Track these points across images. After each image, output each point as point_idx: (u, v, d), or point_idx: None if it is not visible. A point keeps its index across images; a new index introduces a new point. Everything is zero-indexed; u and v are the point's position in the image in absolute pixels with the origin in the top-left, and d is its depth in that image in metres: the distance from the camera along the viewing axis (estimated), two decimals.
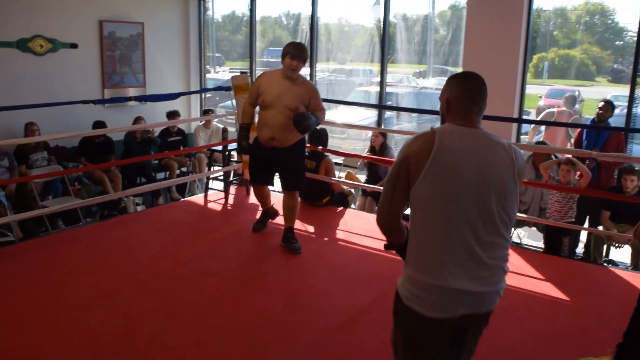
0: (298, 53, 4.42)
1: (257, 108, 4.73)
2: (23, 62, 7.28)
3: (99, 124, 7.45)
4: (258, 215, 5.45)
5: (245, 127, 4.73)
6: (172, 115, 8.30)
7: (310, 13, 8.21)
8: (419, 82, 10.31)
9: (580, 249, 5.80)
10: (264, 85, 4.58)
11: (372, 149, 6.91)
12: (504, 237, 2.04)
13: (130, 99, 6.54)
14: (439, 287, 1.96)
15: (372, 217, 6.10)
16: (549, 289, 4.30)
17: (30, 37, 7.32)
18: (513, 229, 5.78)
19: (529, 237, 6.34)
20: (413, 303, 2.02)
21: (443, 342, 2.06)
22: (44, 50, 7.49)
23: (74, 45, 7.80)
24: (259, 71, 9.41)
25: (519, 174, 2.03)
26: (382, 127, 7.94)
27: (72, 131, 6.86)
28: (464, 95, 2.03)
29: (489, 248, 1.99)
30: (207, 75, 10.05)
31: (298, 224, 5.36)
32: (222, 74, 11.99)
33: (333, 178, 6.26)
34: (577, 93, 10.23)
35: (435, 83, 9.91)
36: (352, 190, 6.85)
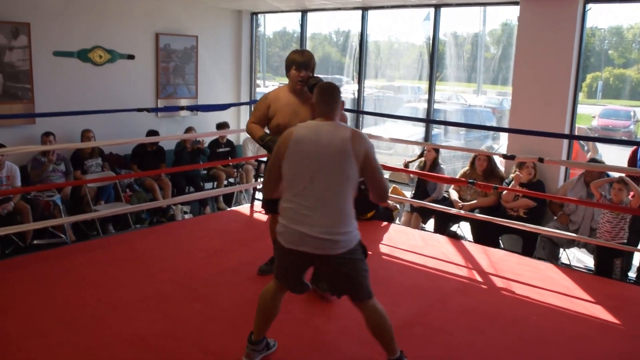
0: (304, 61, 3.88)
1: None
2: (83, 72, 7.54)
3: (152, 133, 7.65)
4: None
5: (266, 134, 3.98)
6: (222, 126, 8.43)
7: (359, 30, 8.24)
8: (467, 100, 10.20)
9: (633, 272, 5.58)
10: (274, 106, 3.95)
11: (421, 165, 6.84)
12: (330, 200, 2.80)
13: (182, 108, 6.70)
14: (289, 228, 2.86)
15: (418, 233, 6.03)
16: (599, 312, 4.14)
17: (91, 47, 7.58)
18: (561, 249, 5.63)
19: (579, 258, 6.15)
20: (279, 237, 2.94)
21: (295, 265, 2.98)
22: (103, 61, 7.74)
23: (131, 57, 8.04)
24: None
25: (355, 154, 2.80)
26: (430, 142, 7.86)
27: (126, 139, 7.05)
28: (319, 101, 3.00)
29: (318, 207, 2.80)
30: (257, 89, 10.19)
31: None
32: (271, 88, 12.12)
33: None
34: (632, 113, 9.92)
35: (485, 101, 9.78)
36: (398, 205, 6.79)
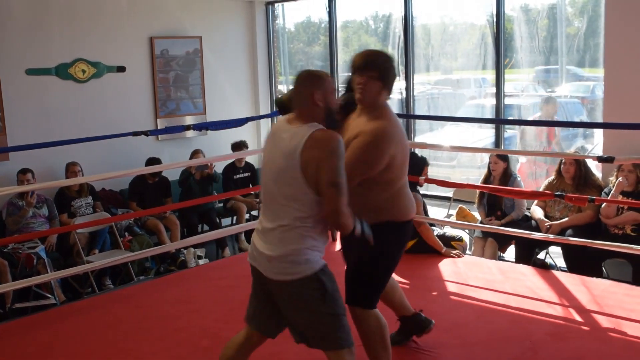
0: (360, 62, 3.49)
1: None
2: (63, 92, 7.76)
3: (152, 162, 7.74)
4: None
5: None
6: (239, 146, 8.51)
7: (403, 13, 8.28)
8: (547, 90, 10.09)
9: None
10: (346, 125, 3.63)
11: (486, 179, 6.78)
12: (281, 204, 3.00)
13: (188, 128, 6.79)
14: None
15: (494, 265, 5.97)
16: None
17: (71, 61, 7.80)
18: None
19: None
20: None
21: (253, 287, 3.31)
22: (87, 77, 7.95)
23: (120, 69, 8.25)
24: (342, 89, 9.51)
25: (301, 158, 2.89)
26: (502, 149, 7.81)
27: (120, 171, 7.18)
28: (293, 93, 3.11)
29: (268, 215, 3.07)
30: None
31: (400, 276, 5.31)
32: None
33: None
34: None
35: (571, 90, 9.66)
36: (462, 232, 6.71)
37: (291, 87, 3.58)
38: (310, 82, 3.04)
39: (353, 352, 3.05)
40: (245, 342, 3.28)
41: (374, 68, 3.37)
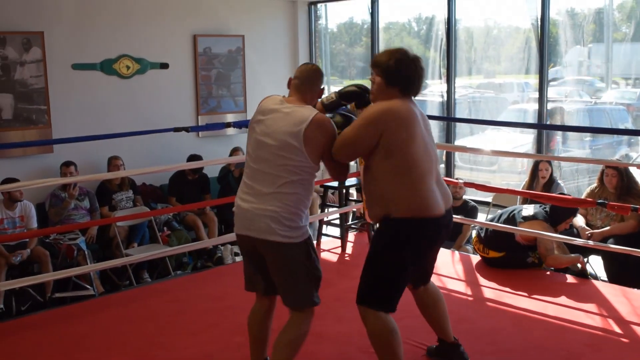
0: (373, 60, 3.64)
1: None
2: (107, 86, 7.86)
3: (193, 158, 7.81)
4: None
5: None
6: None
7: (446, 15, 8.21)
8: (595, 96, 9.92)
9: None
10: None
11: (530, 185, 6.70)
12: (278, 172, 3.36)
13: (228, 125, 6.81)
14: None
15: (531, 272, 5.87)
16: None
17: (116, 57, 7.90)
18: None
19: None
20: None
21: (246, 255, 3.68)
22: (131, 72, 8.04)
23: (164, 65, 8.32)
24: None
25: (304, 137, 3.31)
26: (545, 154, 7.70)
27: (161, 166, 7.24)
28: (295, 77, 3.58)
29: (264, 181, 3.38)
30: None
31: (437, 281, 5.26)
32: None
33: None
34: None
35: (616, 97, 9.49)
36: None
37: (342, 87, 3.79)
38: (321, 79, 3.61)
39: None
40: (260, 308, 3.71)
41: (376, 66, 3.51)
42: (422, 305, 3.93)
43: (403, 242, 3.41)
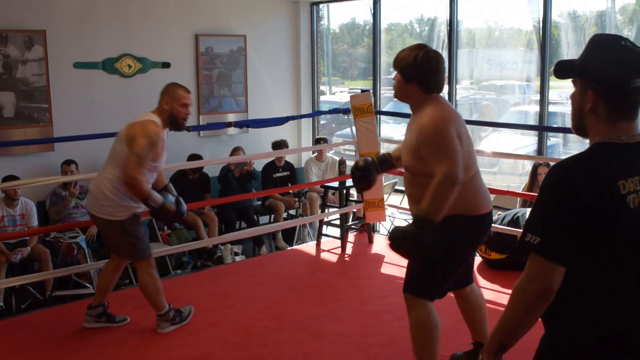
0: (394, 58, 3.59)
1: None
2: (109, 85, 7.85)
3: (193, 157, 7.82)
4: None
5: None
6: (279, 145, 8.52)
7: (448, 16, 8.20)
8: None
9: None
10: None
11: (529, 187, 6.69)
12: None
13: (229, 125, 6.83)
14: None
15: None
16: None
17: (118, 56, 7.90)
18: None
19: None
20: None
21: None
22: (133, 71, 8.04)
23: (165, 65, 8.33)
24: (385, 92, 9.48)
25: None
26: (545, 156, 7.69)
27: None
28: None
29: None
30: (321, 98, 10.27)
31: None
32: (339, 95, 12.19)
33: None
34: None
35: None
36: None
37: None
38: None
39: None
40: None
41: (396, 66, 3.49)
42: (466, 307, 3.87)
43: (460, 238, 3.43)
